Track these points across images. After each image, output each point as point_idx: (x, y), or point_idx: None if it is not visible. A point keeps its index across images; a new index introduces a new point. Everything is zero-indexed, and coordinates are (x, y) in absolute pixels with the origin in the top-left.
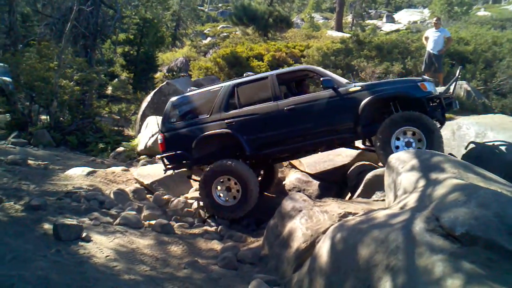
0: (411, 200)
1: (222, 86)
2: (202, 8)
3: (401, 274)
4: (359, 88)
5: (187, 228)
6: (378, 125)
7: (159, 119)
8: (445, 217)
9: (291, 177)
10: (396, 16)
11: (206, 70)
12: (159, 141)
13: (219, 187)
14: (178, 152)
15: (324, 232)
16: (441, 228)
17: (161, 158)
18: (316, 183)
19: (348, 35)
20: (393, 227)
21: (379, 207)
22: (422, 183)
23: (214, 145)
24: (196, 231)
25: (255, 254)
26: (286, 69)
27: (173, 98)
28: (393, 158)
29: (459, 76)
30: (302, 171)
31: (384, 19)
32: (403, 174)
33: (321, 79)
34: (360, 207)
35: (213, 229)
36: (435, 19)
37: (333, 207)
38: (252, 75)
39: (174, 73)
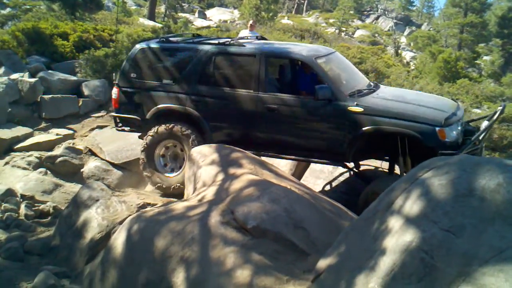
0: (209, 193)
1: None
2: None
3: (194, 265)
4: (361, 110)
5: None
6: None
7: None
8: (239, 211)
9: (90, 165)
10: (208, 13)
11: (2, 43)
12: None
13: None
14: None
15: (121, 222)
16: (235, 221)
17: None
18: (117, 172)
19: (160, 25)
20: (190, 219)
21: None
22: (220, 177)
23: None
24: None
25: (45, 245)
26: (280, 49)
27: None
28: (195, 151)
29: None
30: (102, 159)
31: (196, 14)
32: (203, 167)
33: (316, 87)
34: (159, 198)
35: None
36: (251, 21)
37: (132, 197)
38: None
39: None
